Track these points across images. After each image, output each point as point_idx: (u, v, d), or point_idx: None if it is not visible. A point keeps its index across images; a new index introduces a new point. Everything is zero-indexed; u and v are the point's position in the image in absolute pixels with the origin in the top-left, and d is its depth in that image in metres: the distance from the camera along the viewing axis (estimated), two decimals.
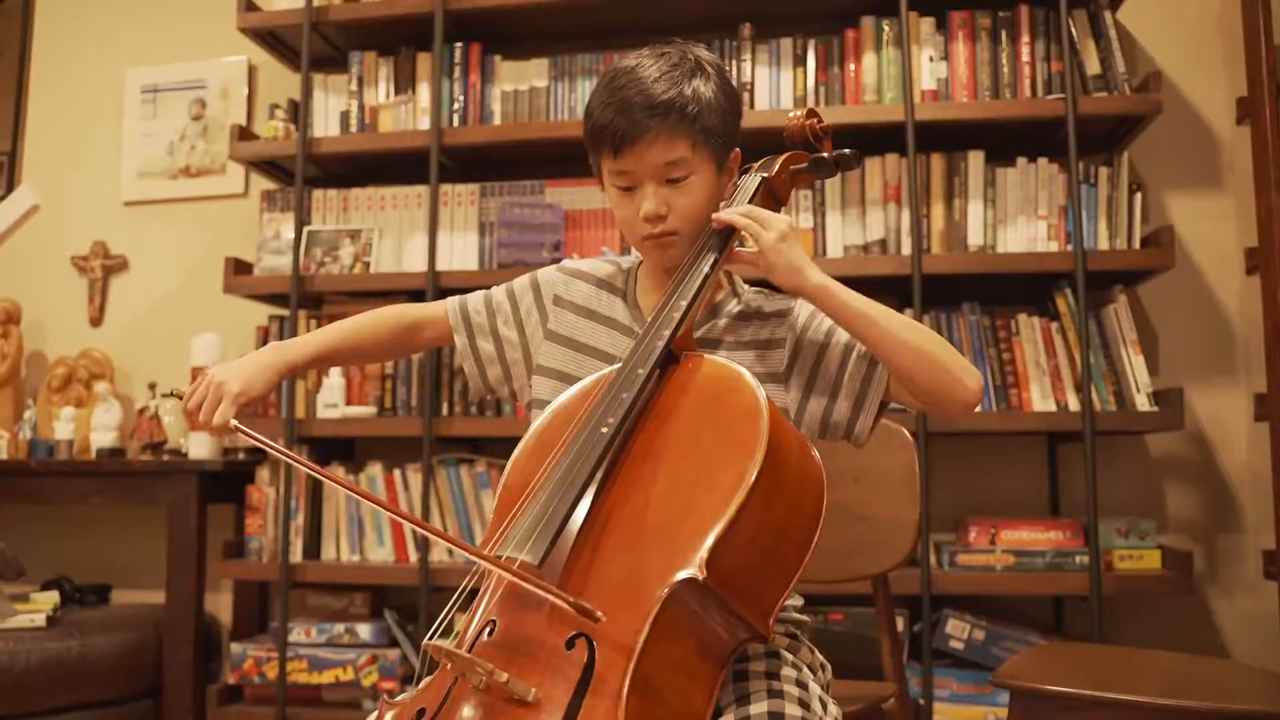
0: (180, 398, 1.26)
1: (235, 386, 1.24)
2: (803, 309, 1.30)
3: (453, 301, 1.44)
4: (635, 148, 1.22)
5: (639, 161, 1.23)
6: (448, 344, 1.45)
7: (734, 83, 2.50)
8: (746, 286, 1.38)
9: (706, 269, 1.22)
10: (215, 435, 1.23)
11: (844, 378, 1.26)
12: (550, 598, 0.95)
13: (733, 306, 1.34)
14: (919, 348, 1.17)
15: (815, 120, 1.38)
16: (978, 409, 2.33)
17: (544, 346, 1.38)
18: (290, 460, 1.10)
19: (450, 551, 2.55)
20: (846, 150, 1.32)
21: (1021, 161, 2.46)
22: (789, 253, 1.19)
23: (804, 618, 1.34)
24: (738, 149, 1.33)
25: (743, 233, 1.22)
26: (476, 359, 1.43)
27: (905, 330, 1.18)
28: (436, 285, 2.54)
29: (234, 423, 1.21)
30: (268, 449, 1.12)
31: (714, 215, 1.24)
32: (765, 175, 1.32)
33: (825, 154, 1.35)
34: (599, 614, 0.93)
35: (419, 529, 1.03)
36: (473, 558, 1.02)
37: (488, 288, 1.46)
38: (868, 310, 1.18)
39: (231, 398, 1.23)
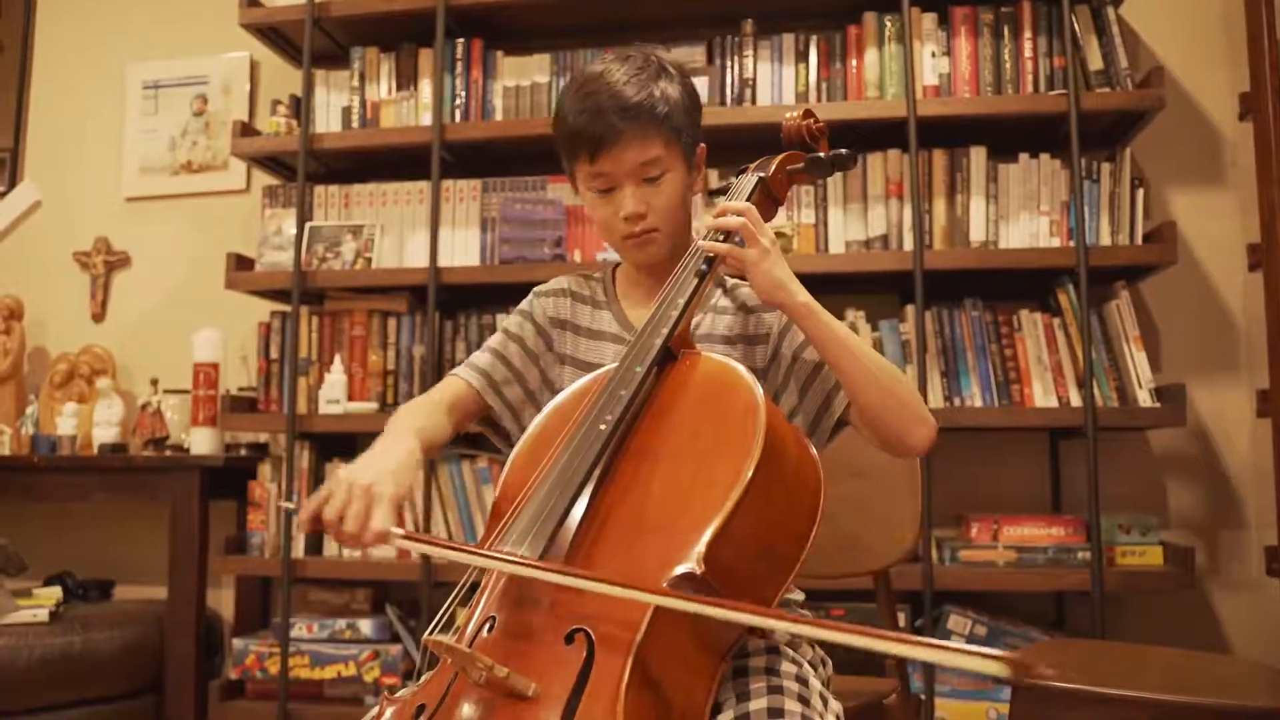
0: (296, 511, 1.07)
1: (389, 488, 1.07)
2: None
3: (463, 370, 1.38)
4: (612, 150, 1.25)
5: (616, 163, 1.26)
6: (479, 414, 1.37)
7: (730, 81, 2.53)
8: (731, 279, 1.39)
9: (704, 267, 1.22)
10: (368, 546, 1.05)
11: (807, 393, 1.28)
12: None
13: (719, 299, 1.36)
14: (884, 385, 1.18)
15: (812, 120, 1.39)
16: (979, 404, 2.36)
17: (554, 369, 1.40)
18: (461, 557, 0.99)
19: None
20: (843, 150, 1.32)
21: (1024, 157, 2.45)
22: (772, 270, 1.19)
23: (805, 613, 1.34)
24: (703, 145, 1.36)
25: (729, 259, 1.21)
26: (512, 411, 1.38)
27: (874, 366, 1.18)
28: (438, 281, 2.54)
29: (394, 530, 1.04)
30: (437, 550, 1.03)
31: (701, 242, 1.23)
32: (762, 175, 1.33)
33: (822, 154, 1.35)
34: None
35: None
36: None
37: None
38: (845, 338, 1.18)
39: (388, 500, 1.06)
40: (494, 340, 1.42)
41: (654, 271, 1.31)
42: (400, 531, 1.04)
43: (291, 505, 1.11)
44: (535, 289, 1.45)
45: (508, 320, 1.44)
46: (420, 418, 1.26)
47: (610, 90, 1.25)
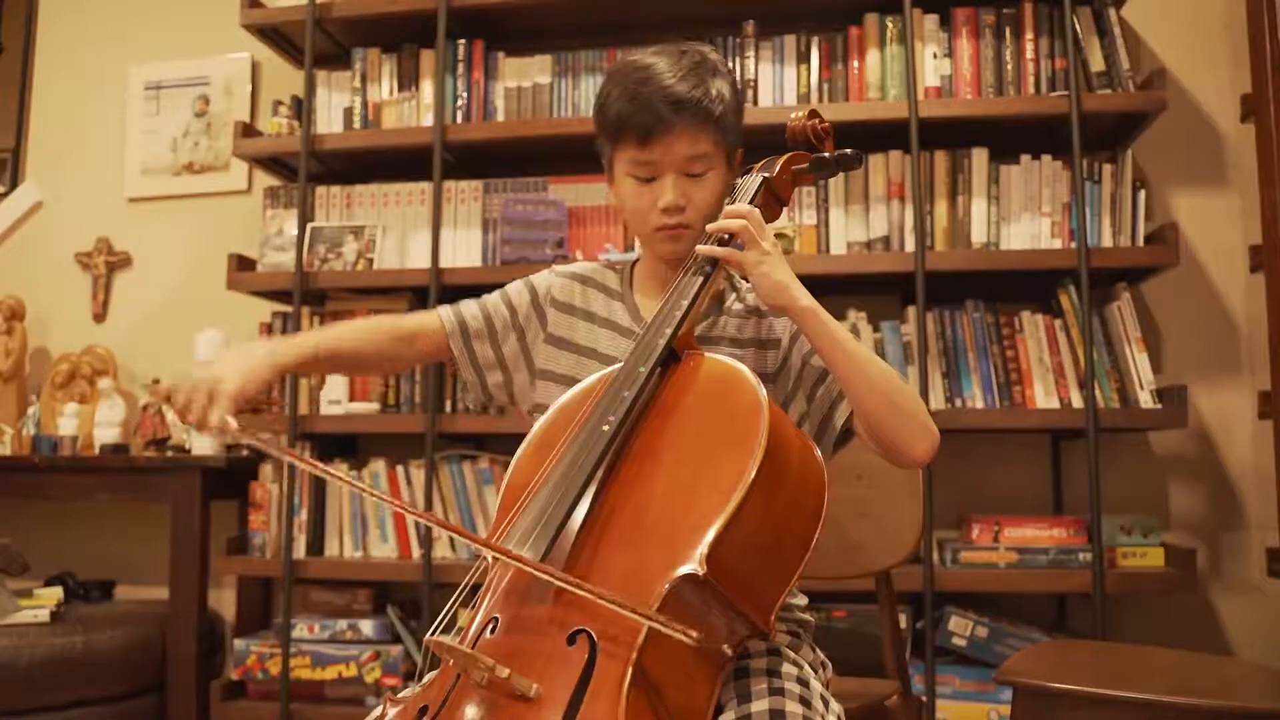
0: (158, 383, 1.21)
1: (230, 385, 1.17)
2: None
3: (446, 310, 1.43)
4: (663, 140, 1.24)
5: (666, 153, 1.25)
6: (444, 355, 1.42)
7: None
8: (745, 283, 1.38)
9: (708, 269, 1.23)
10: (208, 434, 1.17)
11: (814, 400, 1.28)
12: (554, 580, 0.95)
13: (732, 303, 1.36)
14: (886, 393, 1.18)
15: (817, 120, 1.39)
16: (981, 406, 2.36)
17: (544, 350, 1.39)
18: (285, 458, 1.09)
19: (454, 547, 2.55)
20: (848, 150, 1.32)
21: (1025, 159, 2.45)
22: (771, 273, 1.18)
23: (807, 617, 1.34)
24: (741, 148, 1.35)
25: (728, 263, 1.22)
26: (475, 365, 1.42)
27: (877, 374, 1.18)
28: (440, 282, 2.54)
29: (230, 421, 1.15)
30: (263, 449, 1.10)
31: (700, 246, 1.24)
32: (767, 175, 1.33)
33: (827, 154, 1.35)
34: (604, 596, 0.93)
35: (420, 520, 1.03)
36: (475, 545, 1.02)
37: (491, 285, 1.46)
38: (846, 342, 1.18)
39: (226, 396, 1.16)
40: (491, 295, 1.45)
41: (675, 266, 1.30)
42: (234, 424, 1.15)
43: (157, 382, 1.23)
44: (556, 267, 1.46)
45: (514, 283, 1.45)
46: (351, 332, 1.37)
47: (664, 81, 1.24)
